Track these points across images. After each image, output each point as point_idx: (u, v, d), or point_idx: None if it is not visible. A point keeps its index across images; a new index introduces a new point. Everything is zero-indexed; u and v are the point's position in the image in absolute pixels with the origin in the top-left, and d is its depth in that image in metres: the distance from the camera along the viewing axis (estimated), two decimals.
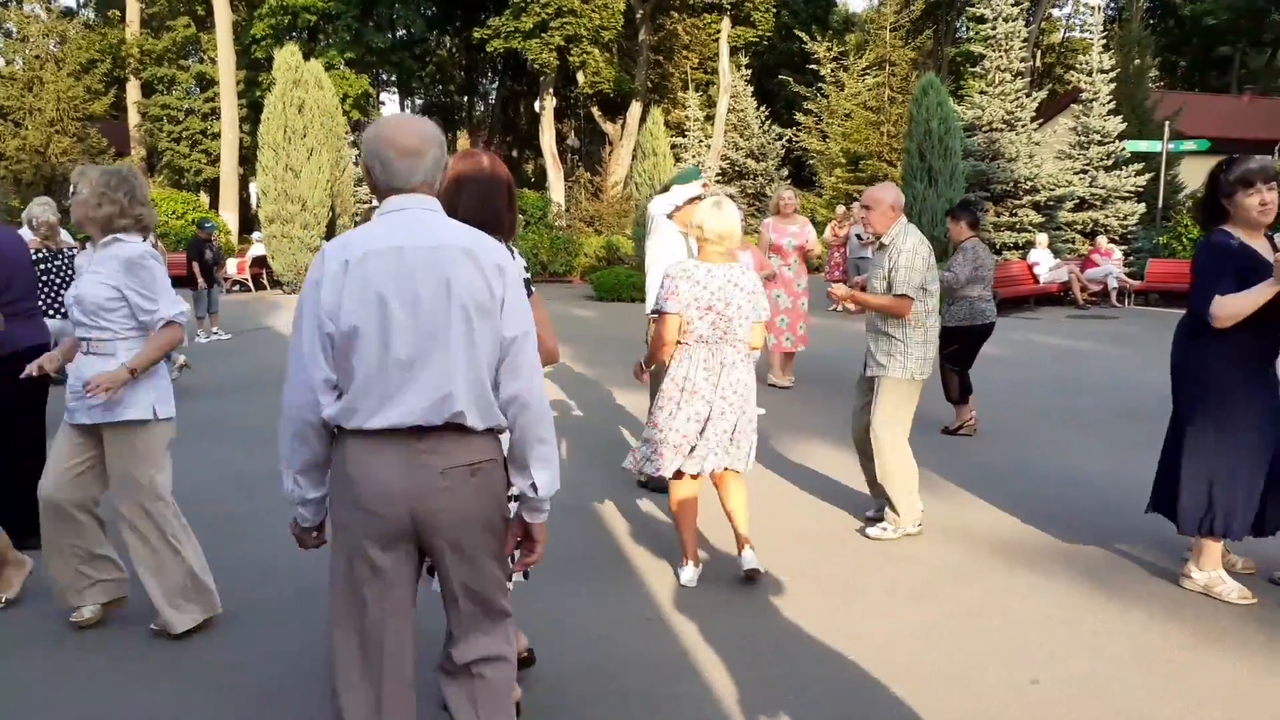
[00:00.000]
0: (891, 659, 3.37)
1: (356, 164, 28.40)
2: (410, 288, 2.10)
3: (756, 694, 3.14)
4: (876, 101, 27.78)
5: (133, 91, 31.80)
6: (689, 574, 4.10)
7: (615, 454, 6.29)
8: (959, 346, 6.92)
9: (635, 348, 11.53)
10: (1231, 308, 3.58)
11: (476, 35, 30.83)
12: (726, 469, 4.04)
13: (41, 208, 6.52)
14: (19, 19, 31.41)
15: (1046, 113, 23.66)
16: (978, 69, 20.49)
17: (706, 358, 3.93)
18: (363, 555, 2.17)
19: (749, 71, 32.16)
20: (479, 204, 2.78)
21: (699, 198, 5.09)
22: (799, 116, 32.16)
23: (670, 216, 5.33)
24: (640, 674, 3.30)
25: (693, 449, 3.96)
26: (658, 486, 5.30)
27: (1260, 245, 3.73)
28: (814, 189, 31.84)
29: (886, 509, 4.64)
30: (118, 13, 32.97)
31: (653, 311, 5.11)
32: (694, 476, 4.01)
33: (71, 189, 3.51)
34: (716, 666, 3.33)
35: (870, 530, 4.65)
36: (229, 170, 28.12)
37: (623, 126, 32.66)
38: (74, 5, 38.31)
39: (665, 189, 5.67)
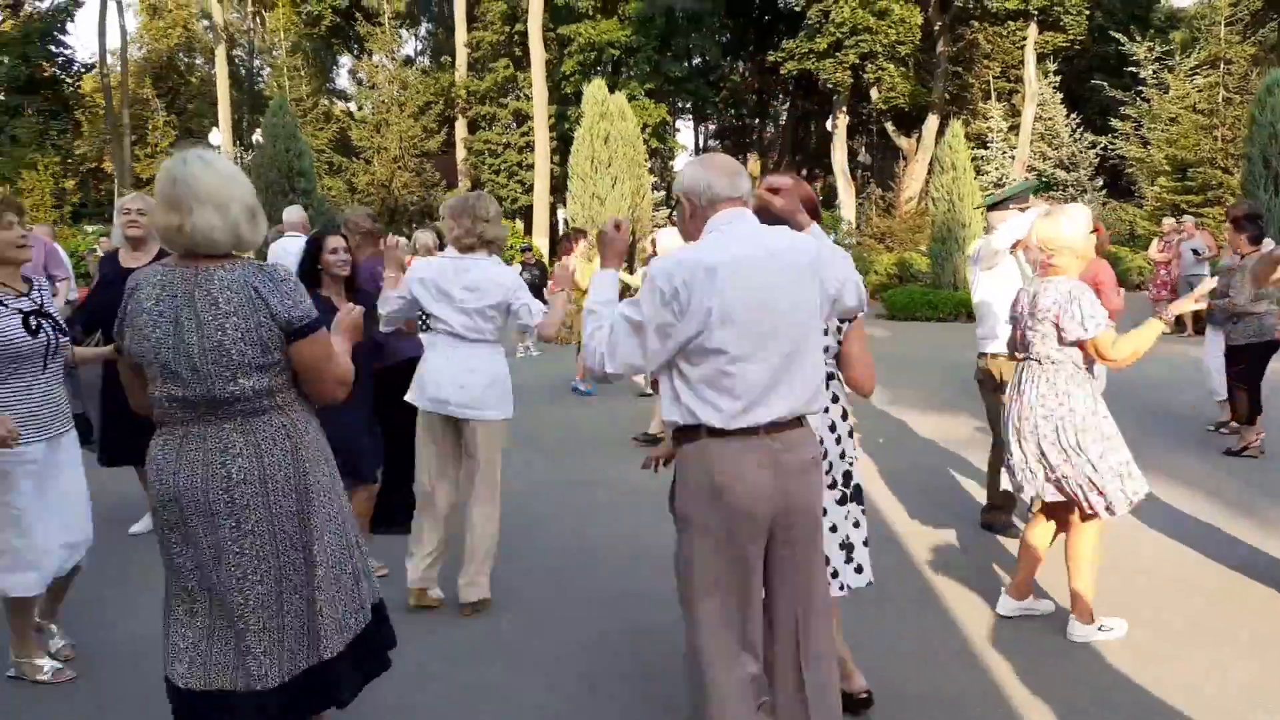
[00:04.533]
0: (1231, 717, 3.15)
1: (655, 189, 29.84)
2: (768, 293, 2.33)
3: None
4: (1208, 104, 25.15)
5: (460, 129, 35.26)
6: (1003, 604, 4.04)
7: (921, 479, 6.24)
8: (1246, 364, 6.81)
9: (931, 369, 11.30)
10: None
11: (770, 59, 31.36)
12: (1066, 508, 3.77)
13: (427, 234, 7.75)
14: (369, 69, 35.89)
15: None
16: None
17: (1021, 374, 3.85)
18: (730, 552, 2.39)
19: (1058, 78, 30.27)
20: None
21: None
22: (1115, 122, 29.79)
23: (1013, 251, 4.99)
24: (941, 707, 3.28)
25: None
26: (1000, 531, 5.16)
27: None
28: (1133, 199, 29.36)
29: None
30: (449, 58, 36.72)
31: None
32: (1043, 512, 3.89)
33: (478, 210, 4.11)
34: (1029, 707, 3.26)
35: None
36: (541, 198, 30.48)
37: (918, 140, 31.88)
38: (411, 54, 43.17)
39: (999, 205, 5.23)
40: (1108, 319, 3.67)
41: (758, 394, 2.34)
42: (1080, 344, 3.64)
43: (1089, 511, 3.67)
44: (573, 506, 5.91)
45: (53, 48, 35.76)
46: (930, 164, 24.78)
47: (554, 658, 3.74)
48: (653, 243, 8.62)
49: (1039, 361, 3.75)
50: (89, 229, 28.22)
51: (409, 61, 40.39)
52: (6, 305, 3.40)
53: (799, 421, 2.45)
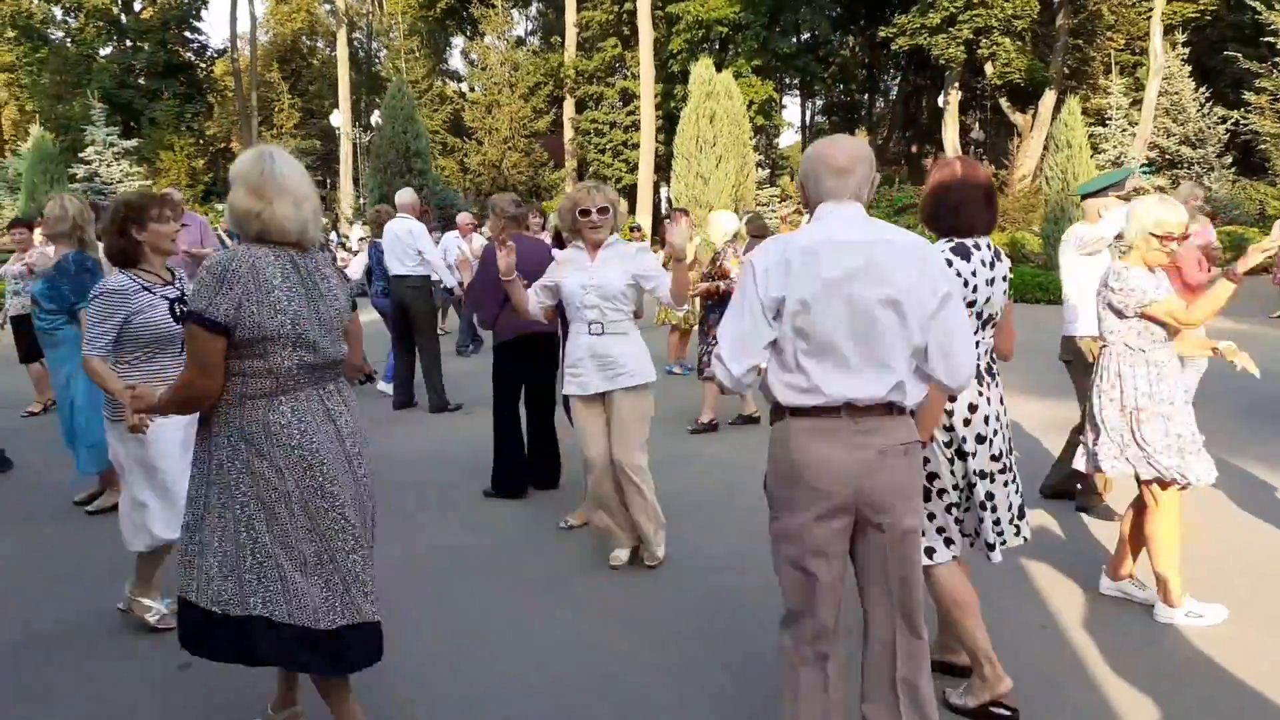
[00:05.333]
0: None
1: (759, 167, 29.77)
2: (849, 279, 2.34)
3: (1146, 716, 3.13)
4: None
5: (568, 109, 35.75)
6: (1103, 583, 4.16)
7: (1021, 462, 6.23)
8: None
9: (1037, 353, 11.00)
10: None
11: (881, 34, 30.80)
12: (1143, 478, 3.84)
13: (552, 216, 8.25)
14: (482, 50, 36.65)
15: None
16: None
17: (1100, 359, 4.01)
18: (807, 530, 2.46)
19: (1186, 49, 28.87)
20: (952, 209, 3.10)
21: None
22: (1249, 96, 28.27)
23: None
24: (1021, 681, 3.34)
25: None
26: (1091, 513, 5.24)
27: None
28: (1265, 177, 27.88)
29: None
30: (559, 38, 37.22)
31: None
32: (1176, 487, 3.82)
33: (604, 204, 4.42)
34: (1109, 683, 3.35)
35: None
36: (645, 177, 30.74)
37: (1033, 117, 30.94)
38: (522, 35, 43.86)
39: (1097, 191, 5.27)
40: (1163, 292, 3.74)
41: (829, 376, 2.37)
42: (1148, 320, 3.77)
43: (1147, 479, 3.78)
44: (692, 481, 6.16)
45: (188, 34, 37.73)
46: (1045, 141, 24.05)
47: (664, 621, 3.99)
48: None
49: (1108, 343, 3.95)
50: (219, 206, 29.79)
51: (520, 42, 41.06)
52: (155, 293, 3.83)
53: (889, 408, 2.41)
